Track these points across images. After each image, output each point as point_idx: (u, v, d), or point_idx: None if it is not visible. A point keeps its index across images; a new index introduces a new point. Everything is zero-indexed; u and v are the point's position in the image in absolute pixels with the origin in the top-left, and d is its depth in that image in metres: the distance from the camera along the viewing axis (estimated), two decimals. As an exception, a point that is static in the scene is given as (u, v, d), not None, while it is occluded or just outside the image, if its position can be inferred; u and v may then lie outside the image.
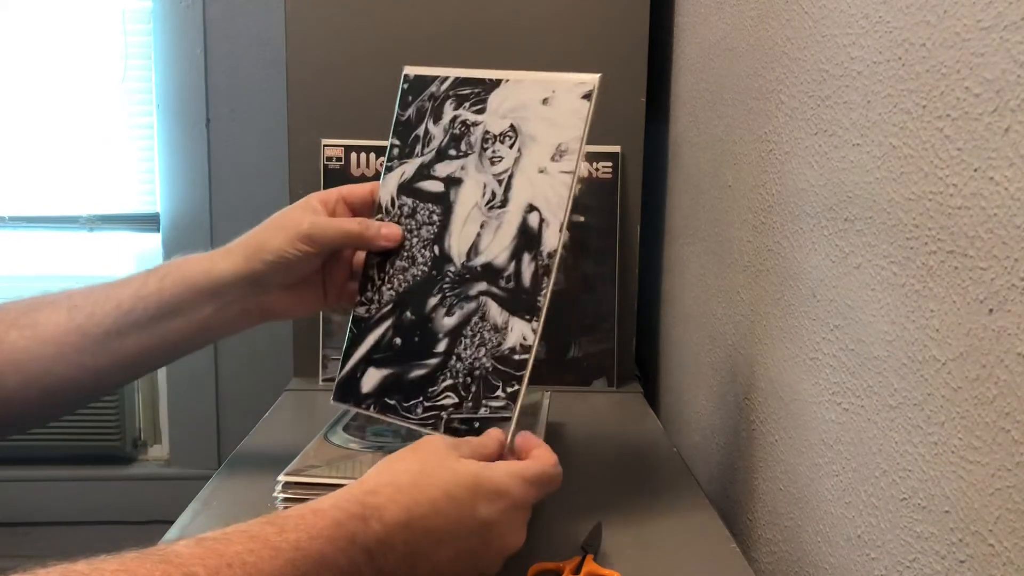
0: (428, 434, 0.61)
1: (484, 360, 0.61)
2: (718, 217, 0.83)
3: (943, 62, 0.42)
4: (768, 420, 0.68)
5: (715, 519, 0.66)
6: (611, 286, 1.00)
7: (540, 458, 0.55)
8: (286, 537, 0.41)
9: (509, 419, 0.59)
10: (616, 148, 1.00)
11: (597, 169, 1.00)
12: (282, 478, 0.61)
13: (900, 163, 0.47)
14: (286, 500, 0.61)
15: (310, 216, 0.64)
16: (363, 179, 0.98)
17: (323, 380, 1.01)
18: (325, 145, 1.00)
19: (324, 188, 0.99)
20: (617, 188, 1.00)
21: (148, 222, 1.68)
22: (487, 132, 0.65)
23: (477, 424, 0.60)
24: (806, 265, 0.60)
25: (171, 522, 0.63)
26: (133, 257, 1.68)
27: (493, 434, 0.57)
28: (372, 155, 0.99)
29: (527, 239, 0.62)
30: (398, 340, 0.65)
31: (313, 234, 0.63)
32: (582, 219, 1.00)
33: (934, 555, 0.43)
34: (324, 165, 1.00)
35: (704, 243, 0.88)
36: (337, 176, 0.99)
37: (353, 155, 0.99)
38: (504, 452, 0.57)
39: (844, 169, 0.54)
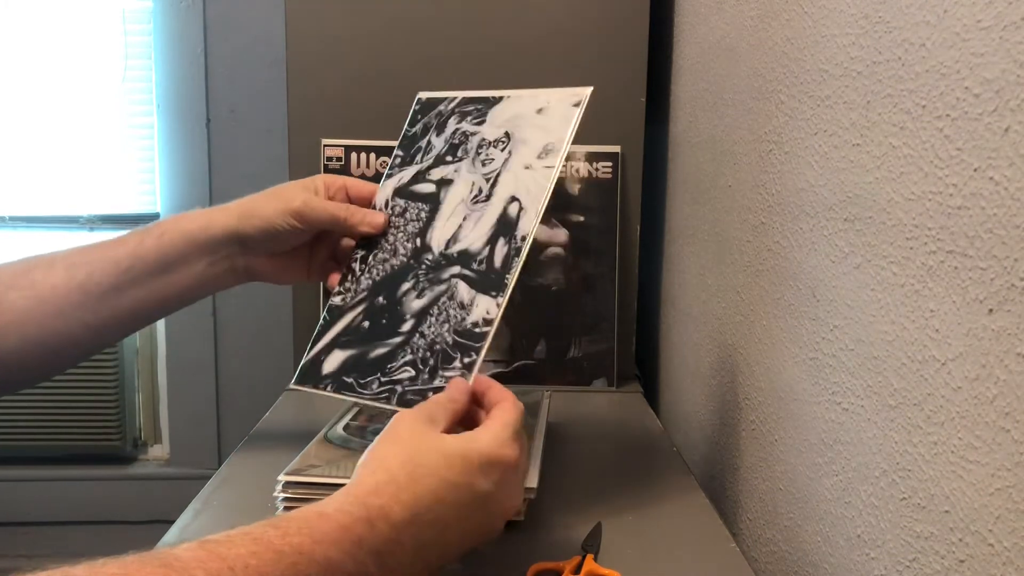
0: (383, 408, 0.62)
1: (446, 335, 0.62)
2: (718, 217, 0.83)
3: (943, 62, 0.42)
4: (768, 420, 0.68)
5: (715, 519, 0.66)
6: (611, 286, 1.00)
7: (506, 408, 0.54)
8: (289, 541, 0.41)
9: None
10: (616, 148, 1.00)
11: (597, 169, 1.00)
12: (282, 478, 0.61)
13: (900, 163, 0.47)
14: (286, 500, 0.61)
15: (306, 194, 0.67)
16: (363, 179, 0.99)
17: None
18: (325, 145, 1.00)
19: (324, 188, 1.00)
20: (617, 188, 1.00)
21: (148, 222, 1.68)
22: (483, 139, 0.68)
23: (430, 394, 0.59)
24: (806, 265, 0.60)
25: (171, 522, 0.63)
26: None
27: (457, 385, 0.57)
28: (372, 155, 0.99)
29: (504, 226, 0.63)
30: (367, 323, 0.67)
31: (303, 211, 0.66)
32: (582, 219, 1.00)
33: (934, 555, 0.43)
34: (324, 165, 1.00)
35: (704, 243, 0.88)
36: (337, 176, 1.00)
37: (353, 155, 0.99)
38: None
39: (844, 169, 0.54)
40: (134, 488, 1.69)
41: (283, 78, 1.01)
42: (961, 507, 0.41)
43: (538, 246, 1.00)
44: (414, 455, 0.48)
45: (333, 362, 0.67)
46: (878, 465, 0.49)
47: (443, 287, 0.64)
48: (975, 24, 0.40)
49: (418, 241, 0.67)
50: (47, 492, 1.68)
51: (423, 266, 0.66)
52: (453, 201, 0.67)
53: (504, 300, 0.60)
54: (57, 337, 0.64)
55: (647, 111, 1.02)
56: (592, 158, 1.00)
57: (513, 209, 0.63)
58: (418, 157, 0.71)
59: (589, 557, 0.56)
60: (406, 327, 0.64)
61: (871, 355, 0.50)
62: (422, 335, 0.63)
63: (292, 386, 0.69)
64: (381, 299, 0.67)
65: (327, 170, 1.00)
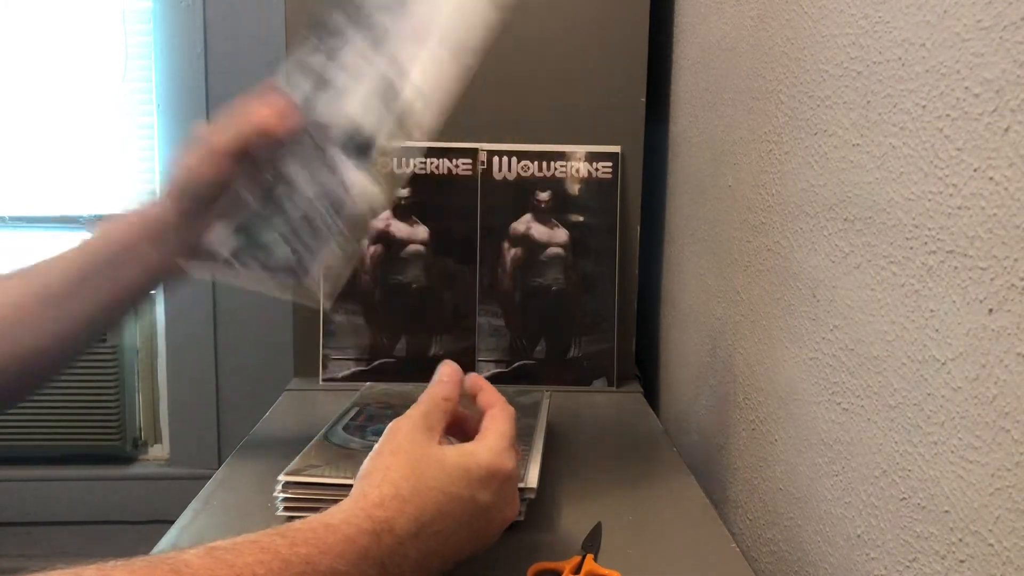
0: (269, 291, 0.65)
1: (323, 209, 0.64)
2: (718, 217, 0.83)
3: (943, 62, 0.42)
4: (768, 420, 0.68)
5: (715, 519, 0.66)
6: (611, 286, 1.00)
7: (499, 417, 0.55)
8: (297, 551, 0.41)
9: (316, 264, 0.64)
10: (616, 148, 1.00)
11: (597, 169, 1.00)
12: (283, 478, 0.61)
13: (900, 163, 0.47)
14: (286, 500, 0.61)
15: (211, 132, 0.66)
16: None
17: (323, 380, 1.01)
18: (325, 145, 1.00)
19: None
20: (617, 188, 1.00)
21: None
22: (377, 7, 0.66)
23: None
24: (806, 265, 0.60)
25: (171, 522, 0.63)
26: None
27: (449, 376, 0.57)
28: (372, 155, 0.99)
29: (386, 97, 0.63)
30: (250, 196, 0.67)
31: (216, 147, 0.65)
32: (582, 219, 1.00)
33: (934, 555, 0.43)
34: (324, 165, 1.00)
35: (704, 243, 0.88)
36: (337, 176, 1.00)
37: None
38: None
39: (844, 169, 0.54)
40: (134, 488, 1.69)
41: (283, 78, 1.01)
42: (961, 507, 0.41)
43: (538, 246, 1.01)
44: (416, 468, 0.49)
45: (221, 240, 0.68)
46: (878, 465, 0.49)
47: (319, 159, 0.64)
48: (975, 24, 0.40)
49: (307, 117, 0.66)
50: (47, 492, 1.68)
51: (310, 139, 0.65)
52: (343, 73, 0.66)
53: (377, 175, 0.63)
54: (24, 350, 0.64)
55: (647, 111, 1.02)
56: (592, 158, 1.00)
57: (396, 80, 0.64)
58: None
59: (589, 557, 0.56)
60: (293, 209, 0.65)
61: (871, 355, 0.50)
62: (296, 206, 0.64)
63: (187, 266, 0.69)
64: (270, 176, 0.66)
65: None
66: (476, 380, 0.59)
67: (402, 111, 0.63)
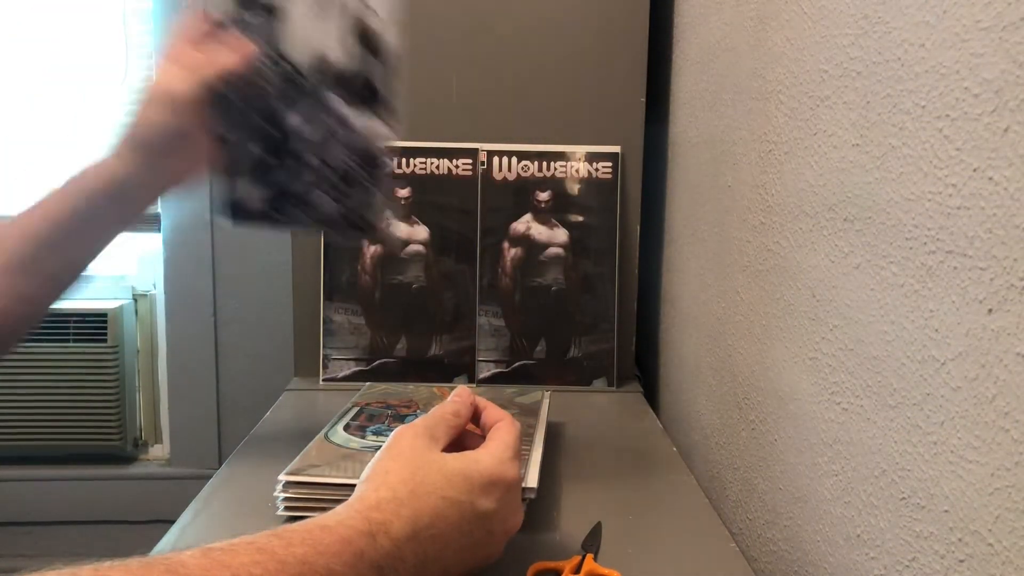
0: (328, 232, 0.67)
1: (347, 159, 0.67)
2: (718, 217, 0.83)
3: (942, 62, 0.42)
4: (768, 420, 0.68)
5: (715, 519, 0.66)
6: (611, 286, 1.00)
7: (505, 428, 0.55)
8: (292, 551, 0.41)
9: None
10: (616, 148, 1.01)
11: (597, 169, 1.00)
12: (283, 477, 0.61)
13: (899, 163, 0.47)
14: (287, 500, 0.61)
15: (168, 77, 0.65)
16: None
17: (323, 380, 1.01)
18: (325, 145, 1.00)
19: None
20: (617, 188, 1.00)
21: (149, 222, 1.68)
22: None
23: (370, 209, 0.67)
24: (806, 265, 0.60)
25: (171, 522, 0.63)
26: (134, 257, 1.68)
27: (461, 398, 0.58)
28: (372, 155, 0.99)
29: (365, 42, 0.66)
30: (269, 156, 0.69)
31: (181, 95, 0.64)
32: (582, 219, 1.00)
33: (933, 554, 0.43)
34: (324, 165, 1.00)
35: (704, 243, 0.88)
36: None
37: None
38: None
39: (844, 169, 0.54)
40: (134, 488, 1.69)
41: (283, 78, 1.01)
42: (961, 507, 0.41)
43: (538, 246, 1.01)
44: (416, 473, 0.49)
45: (255, 199, 0.69)
46: (878, 465, 0.49)
47: (320, 106, 0.66)
48: (975, 24, 0.40)
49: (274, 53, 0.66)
50: (47, 492, 1.68)
51: (292, 83, 0.66)
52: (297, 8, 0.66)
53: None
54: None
55: (647, 111, 1.02)
56: (592, 158, 1.00)
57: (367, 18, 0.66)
58: None
59: (589, 557, 0.56)
60: (311, 159, 0.67)
61: (871, 355, 0.50)
62: (326, 164, 0.67)
63: (218, 218, 0.71)
64: (272, 129, 0.67)
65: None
66: (480, 400, 0.59)
67: (381, 48, 0.65)
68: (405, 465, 0.50)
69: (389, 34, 0.66)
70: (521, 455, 0.56)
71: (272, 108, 0.67)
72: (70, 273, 0.67)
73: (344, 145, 0.66)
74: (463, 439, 0.57)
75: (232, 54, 0.65)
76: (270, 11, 0.66)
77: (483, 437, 0.56)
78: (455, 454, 0.52)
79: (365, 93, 0.65)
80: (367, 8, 0.65)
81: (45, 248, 0.64)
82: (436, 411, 0.56)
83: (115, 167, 0.66)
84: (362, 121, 0.65)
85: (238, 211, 0.71)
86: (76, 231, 0.65)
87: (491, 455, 0.52)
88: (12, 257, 0.64)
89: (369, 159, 0.66)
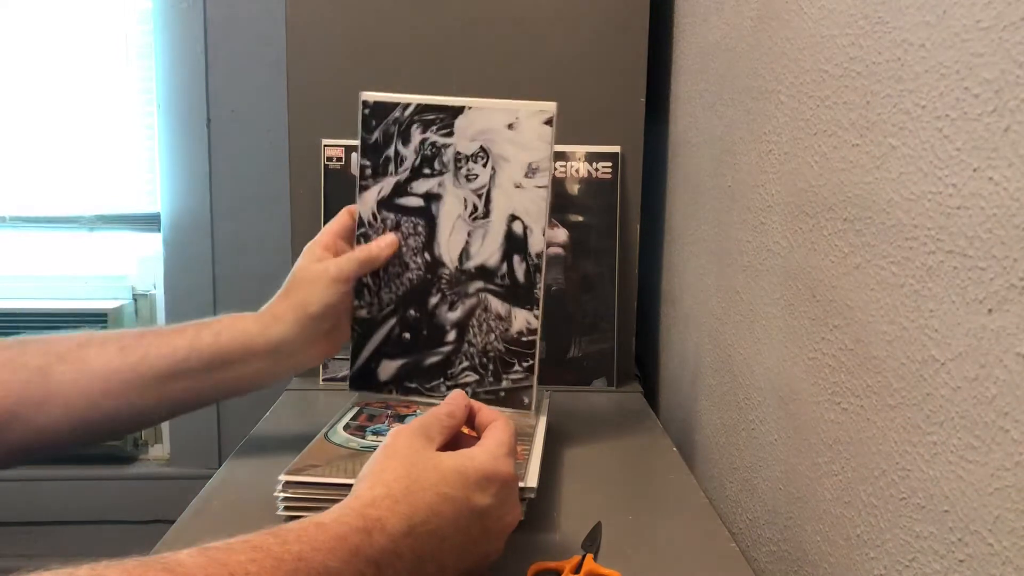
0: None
1: (495, 343, 0.72)
2: (718, 217, 0.83)
3: (942, 62, 0.42)
4: (768, 420, 0.68)
5: (715, 519, 0.66)
6: (611, 286, 1.00)
7: (499, 427, 0.56)
8: (288, 548, 0.41)
9: (530, 387, 0.72)
10: (616, 148, 1.00)
11: (597, 169, 1.00)
12: (283, 477, 0.61)
13: (900, 163, 0.47)
14: (287, 499, 0.61)
15: (327, 261, 0.71)
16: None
17: (323, 380, 1.01)
18: (325, 145, 1.00)
19: (324, 188, 1.00)
20: (617, 188, 1.00)
21: (149, 222, 1.68)
22: (458, 153, 0.72)
23: (502, 394, 0.72)
24: (806, 265, 0.60)
25: (171, 522, 0.63)
26: (134, 257, 1.68)
27: (456, 400, 0.59)
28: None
29: (514, 243, 0.71)
30: (406, 335, 0.74)
31: (339, 275, 0.70)
32: (582, 219, 1.00)
33: (933, 554, 0.43)
34: (324, 165, 1.00)
35: (704, 243, 0.88)
36: (337, 176, 1.00)
37: (353, 155, 0.99)
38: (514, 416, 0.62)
39: (844, 169, 0.54)
40: (134, 488, 1.69)
41: (283, 78, 1.01)
42: (960, 507, 0.41)
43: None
44: (411, 470, 0.50)
45: (387, 370, 0.74)
46: (878, 465, 0.49)
47: (473, 300, 0.72)
48: (975, 24, 0.40)
49: (427, 255, 0.73)
50: (47, 492, 1.68)
51: (443, 280, 0.73)
52: (450, 216, 0.72)
53: (540, 312, 0.71)
54: (100, 414, 0.65)
55: (647, 111, 1.02)
56: (592, 158, 1.00)
57: (518, 228, 0.71)
58: (391, 168, 0.73)
59: (589, 557, 0.56)
60: (451, 337, 0.73)
61: (871, 355, 0.50)
62: (470, 343, 0.72)
63: (350, 390, 0.75)
64: (412, 312, 0.73)
65: (327, 170, 1.00)
66: (473, 402, 0.60)
67: (528, 248, 0.71)
68: (401, 463, 0.50)
69: (534, 239, 0.71)
70: (517, 454, 0.56)
71: (412, 293, 0.73)
72: (182, 405, 0.70)
73: (489, 331, 0.72)
74: (458, 441, 0.57)
75: (381, 246, 0.73)
76: (425, 218, 0.73)
77: (478, 439, 0.56)
78: (450, 453, 0.52)
79: (508, 284, 0.71)
80: (515, 218, 0.71)
81: (180, 376, 0.67)
82: (431, 412, 0.56)
83: (276, 329, 0.70)
84: (505, 308, 0.71)
85: (364, 379, 0.75)
86: (214, 368, 0.68)
87: (486, 451, 0.53)
88: (146, 364, 0.66)
89: (514, 344, 0.71)
